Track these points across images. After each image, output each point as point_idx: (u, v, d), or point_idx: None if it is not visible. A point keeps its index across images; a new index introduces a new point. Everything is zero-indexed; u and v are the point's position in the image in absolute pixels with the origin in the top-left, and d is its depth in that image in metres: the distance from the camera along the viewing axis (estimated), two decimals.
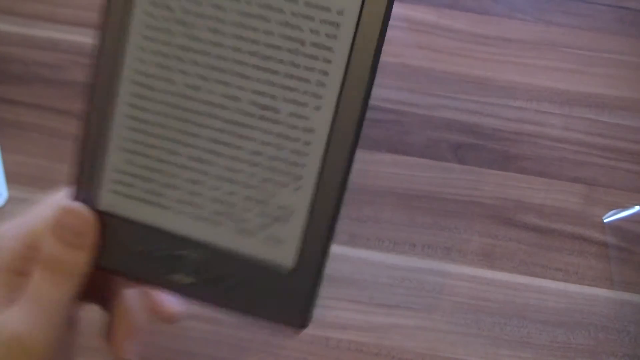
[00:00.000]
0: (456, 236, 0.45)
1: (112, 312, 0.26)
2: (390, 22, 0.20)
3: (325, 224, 0.21)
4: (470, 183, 0.48)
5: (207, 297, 0.22)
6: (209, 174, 0.21)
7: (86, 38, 0.52)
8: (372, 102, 0.20)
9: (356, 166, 0.21)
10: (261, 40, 0.20)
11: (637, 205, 0.46)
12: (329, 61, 0.20)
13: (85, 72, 0.50)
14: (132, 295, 0.26)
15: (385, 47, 0.20)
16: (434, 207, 0.46)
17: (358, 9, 0.20)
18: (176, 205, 0.22)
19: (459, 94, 0.52)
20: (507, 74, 0.54)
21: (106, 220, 0.22)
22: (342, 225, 0.22)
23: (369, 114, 0.21)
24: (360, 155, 0.21)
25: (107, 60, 0.21)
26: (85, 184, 0.22)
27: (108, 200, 0.22)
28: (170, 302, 0.26)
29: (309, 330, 0.40)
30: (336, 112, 0.21)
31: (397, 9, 0.46)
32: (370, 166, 0.47)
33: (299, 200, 0.21)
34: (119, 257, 0.22)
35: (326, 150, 0.21)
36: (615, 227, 0.46)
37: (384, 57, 0.20)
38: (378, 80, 0.21)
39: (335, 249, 0.22)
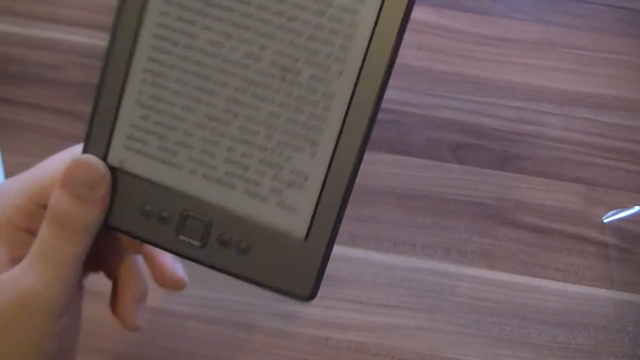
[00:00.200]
0: (456, 236, 0.45)
1: (117, 279, 0.26)
2: None
3: (339, 193, 0.21)
4: (470, 183, 0.48)
5: (214, 262, 0.22)
6: (225, 134, 0.21)
7: (86, 38, 0.52)
8: None
9: None
10: (287, 0, 0.20)
11: (637, 205, 0.46)
12: (354, 25, 0.20)
13: (85, 73, 0.50)
14: (137, 261, 0.26)
15: None
16: (434, 207, 0.46)
17: None
18: (189, 164, 0.21)
19: (459, 94, 0.52)
20: (507, 74, 0.54)
21: (116, 177, 0.22)
22: (342, 225, 0.22)
23: None
24: None
25: (129, 11, 0.21)
26: (97, 138, 0.22)
27: (120, 155, 0.22)
28: (175, 268, 0.26)
29: (309, 330, 0.40)
30: (358, 77, 0.20)
31: None
32: (370, 166, 0.47)
33: (314, 167, 0.21)
34: (128, 216, 0.22)
35: (345, 117, 0.20)
36: (615, 227, 0.46)
37: None
38: None
39: (335, 249, 0.22)
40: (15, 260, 0.22)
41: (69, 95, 0.49)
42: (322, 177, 0.21)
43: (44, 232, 0.21)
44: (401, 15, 0.20)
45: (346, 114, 0.20)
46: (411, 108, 0.51)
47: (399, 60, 0.20)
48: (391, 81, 0.20)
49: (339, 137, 0.21)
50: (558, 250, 0.45)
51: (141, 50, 0.21)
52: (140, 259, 0.26)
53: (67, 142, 0.46)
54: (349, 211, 0.21)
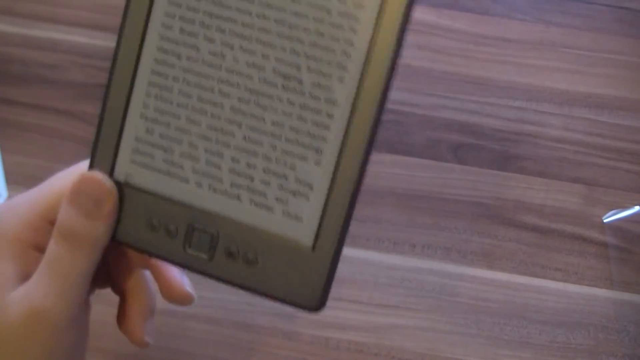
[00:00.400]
0: (456, 236, 0.45)
1: (125, 294, 0.26)
2: None
3: (345, 201, 0.21)
4: (470, 183, 0.48)
5: (222, 274, 0.22)
6: (229, 144, 0.21)
7: (86, 38, 0.52)
8: None
9: None
10: (287, 8, 0.20)
11: (637, 205, 0.46)
12: (354, 30, 0.20)
13: (85, 73, 0.50)
14: (145, 276, 0.26)
15: None
16: (434, 207, 0.46)
17: None
18: (194, 177, 0.21)
19: (459, 94, 0.52)
20: (507, 74, 0.54)
21: (123, 191, 0.22)
22: None
23: None
24: None
25: (132, 24, 0.21)
26: (103, 153, 0.22)
27: (126, 169, 0.22)
28: (183, 283, 0.26)
29: (309, 330, 0.40)
30: (360, 83, 0.20)
31: None
32: (370, 166, 0.47)
33: (319, 175, 0.21)
34: (135, 230, 0.22)
35: (348, 124, 0.20)
36: (615, 227, 0.46)
37: None
38: None
39: None
40: (24, 277, 0.22)
41: (69, 95, 0.49)
42: (328, 185, 0.21)
43: (52, 248, 0.21)
44: (401, 20, 0.20)
45: (349, 121, 0.20)
46: (411, 108, 0.51)
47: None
48: None
49: (342, 144, 0.21)
50: (558, 250, 0.45)
51: (145, 64, 0.21)
52: (147, 273, 0.26)
53: (67, 142, 0.47)
54: None
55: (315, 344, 0.40)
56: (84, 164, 0.23)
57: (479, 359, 0.40)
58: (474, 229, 0.45)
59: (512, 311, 0.42)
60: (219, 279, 0.22)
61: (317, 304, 0.22)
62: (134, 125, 0.21)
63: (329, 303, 0.22)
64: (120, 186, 0.22)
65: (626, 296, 0.43)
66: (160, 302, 0.27)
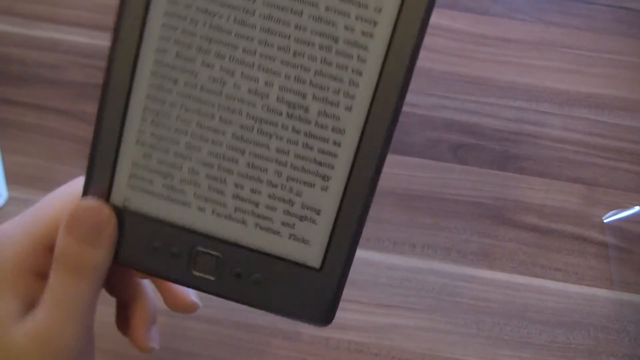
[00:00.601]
0: (456, 236, 0.45)
1: (127, 303, 0.26)
2: None
3: (353, 224, 0.21)
4: (470, 183, 0.48)
5: (229, 293, 0.22)
6: (232, 171, 0.20)
7: (86, 38, 0.52)
8: None
9: None
10: (292, 35, 0.19)
11: (637, 205, 0.46)
12: (363, 60, 0.19)
13: (85, 73, 0.50)
14: (145, 284, 0.26)
15: None
16: (434, 207, 0.46)
17: (397, 7, 0.19)
18: (196, 201, 0.21)
19: (459, 94, 0.52)
20: (507, 74, 0.54)
21: (123, 216, 0.21)
22: None
23: None
24: None
25: (123, 48, 0.20)
26: (98, 179, 0.21)
27: (124, 194, 0.21)
28: (187, 292, 0.26)
29: (309, 330, 0.40)
30: (369, 113, 0.20)
31: None
32: None
33: (326, 201, 0.20)
34: (137, 253, 0.21)
35: (356, 152, 0.20)
36: (615, 227, 0.46)
37: None
38: None
39: None
40: (28, 305, 0.22)
41: (69, 95, 0.49)
42: (335, 210, 0.21)
43: (53, 278, 0.21)
44: (412, 49, 0.19)
45: (358, 147, 0.20)
46: (411, 108, 0.51)
47: None
48: None
49: (351, 170, 0.20)
50: (558, 250, 0.45)
51: (139, 88, 0.20)
52: (146, 281, 0.26)
53: (67, 142, 0.47)
54: None
55: (315, 344, 0.40)
56: (77, 182, 0.22)
57: (479, 359, 0.40)
58: (474, 229, 0.45)
59: (512, 311, 0.42)
60: (226, 297, 0.22)
61: (325, 319, 0.22)
62: (130, 150, 0.21)
63: None
64: (119, 210, 0.21)
65: (626, 296, 0.43)
66: (161, 302, 0.27)
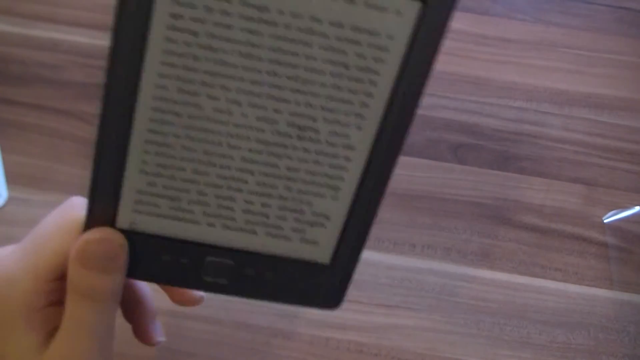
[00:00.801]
0: (456, 236, 0.45)
1: (126, 301, 0.26)
2: None
3: (362, 226, 0.21)
4: (470, 183, 0.48)
5: (243, 292, 0.22)
6: (242, 190, 0.20)
7: (86, 38, 0.52)
8: None
9: None
10: (301, 65, 0.19)
11: (637, 205, 0.46)
12: (374, 83, 0.19)
13: (85, 73, 0.50)
14: (142, 283, 0.27)
15: None
16: (434, 207, 0.46)
17: (409, 34, 0.19)
18: (206, 219, 0.21)
19: (459, 94, 0.52)
20: (507, 74, 0.54)
21: (131, 237, 0.21)
22: None
23: None
24: None
25: (119, 84, 0.19)
26: (102, 207, 0.21)
27: (129, 218, 0.21)
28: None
29: (309, 330, 0.40)
30: (379, 131, 0.20)
31: None
32: None
33: (335, 208, 0.21)
34: (149, 267, 0.22)
35: (366, 166, 0.20)
36: (615, 227, 0.46)
37: None
38: None
39: None
40: (47, 338, 0.22)
41: (69, 95, 0.49)
42: (345, 215, 0.21)
43: (70, 307, 0.21)
44: (421, 75, 0.19)
45: (367, 162, 0.20)
46: None
47: None
48: None
49: (360, 180, 0.21)
50: (558, 250, 0.45)
51: (140, 122, 0.19)
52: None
53: (67, 142, 0.47)
54: None
55: (315, 344, 0.40)
56: (71, 205, 0.22)
57: (479, 359, 0.40)
58: (474, 229, 0.45)
59: (512, 311, 0.42)
60: (240, 296, 0.22)
61: (335, 304, 0.23)
62: (133, 180, 0.20)
63: None
64: (127, 233, 0.21)
65: (626, 296, 0.43)
66: (161, 302, 0.27)
